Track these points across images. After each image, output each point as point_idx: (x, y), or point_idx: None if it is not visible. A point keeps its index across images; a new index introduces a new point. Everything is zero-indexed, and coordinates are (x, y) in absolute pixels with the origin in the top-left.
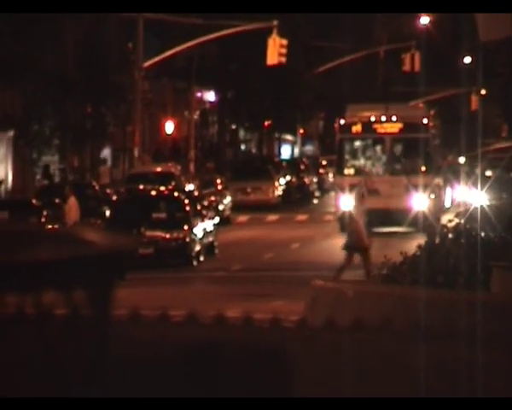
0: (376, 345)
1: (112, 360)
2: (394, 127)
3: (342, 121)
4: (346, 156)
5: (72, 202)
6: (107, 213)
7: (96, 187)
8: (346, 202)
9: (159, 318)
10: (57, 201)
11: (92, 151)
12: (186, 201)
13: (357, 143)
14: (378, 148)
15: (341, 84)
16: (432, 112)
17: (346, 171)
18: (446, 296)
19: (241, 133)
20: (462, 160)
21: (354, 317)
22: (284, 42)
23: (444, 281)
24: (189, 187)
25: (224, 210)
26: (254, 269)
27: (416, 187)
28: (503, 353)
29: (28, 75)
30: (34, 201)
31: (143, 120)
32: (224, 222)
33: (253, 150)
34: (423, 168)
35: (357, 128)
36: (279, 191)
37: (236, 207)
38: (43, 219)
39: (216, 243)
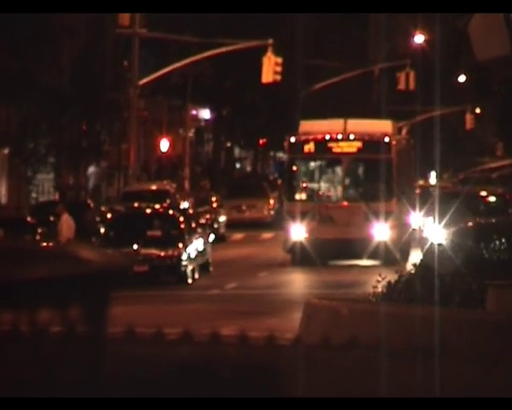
0: (371, 363)
1: (107, 377)
2: (352, 146)
3: (292, 139)
4: (297, 179)
5: (66, 219)
6: (102, 230)
7: (91, 205)
8: (298, 232)
9: (154, 336)
10: (52, 218)
11: (87, 169)
12: (181, 218)
13: (310, 165)
14: (334, 170)
15: (336, 102)
16: (404, 130)
17: (298, 196)
18: (442, 315)
19: (237, 151)
20: (433, 181)
21: (349, 335)
22: (279, 60)
23: (439, 299)
24: (184, 205)
25: (218, 228)
26: (249, 287)
27: (376, 215)
28: (499, 371)
29: (24, 93)
30: (29, 218)
31: (139, 138)
32: (219, 240)
33: (248, 168)
34: (385, 193)
35: (309, 147)
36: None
37: (231, 224)
38: (37, 237)
39: (211, 261)
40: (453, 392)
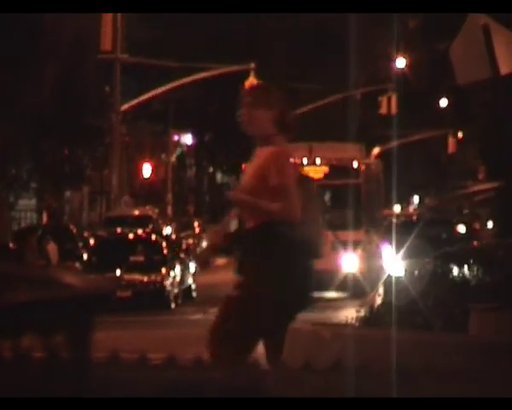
0: (354, 387)
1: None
2: (318, 172)
3: None
4: None
5: (50, 245)
6: (85, 256)
7: (74, 230)
8: None
9: (138, 361)
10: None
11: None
12: (164, 244)
13: None
14: None
15: (318, 126)
16: (374, 153)
17: None
18: (425, 338)
19: (219, 176)
20: (397, 208)
21: (332, 359)
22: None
23: (422, 323)
24: (167, 230)
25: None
26: None
27: (344, 244)
28: (481, 394)
29: (4, 117)
30: (11, 244)
31: (121, 163)
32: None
33: None
34: (354, 221)
35: None
36: None
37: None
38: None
39: (194, 286)
40: None
